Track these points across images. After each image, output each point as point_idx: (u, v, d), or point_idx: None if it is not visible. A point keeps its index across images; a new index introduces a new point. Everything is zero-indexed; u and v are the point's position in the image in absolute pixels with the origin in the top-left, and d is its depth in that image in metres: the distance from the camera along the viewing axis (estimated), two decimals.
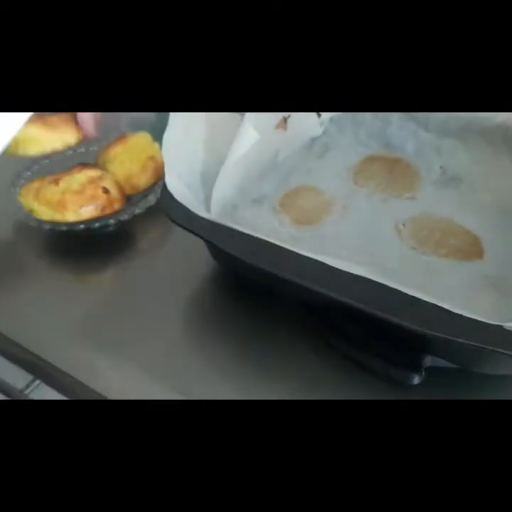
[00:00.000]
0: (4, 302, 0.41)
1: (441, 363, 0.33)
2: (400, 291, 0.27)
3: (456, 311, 0.27)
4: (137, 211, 0.45)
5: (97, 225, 0.43)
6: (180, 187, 0.35)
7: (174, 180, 0.35)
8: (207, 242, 0.34)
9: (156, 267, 0.43)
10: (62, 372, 0.35)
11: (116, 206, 0.44)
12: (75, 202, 0.43)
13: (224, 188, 0.36)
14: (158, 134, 0.69)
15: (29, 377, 0.42)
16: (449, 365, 0.33)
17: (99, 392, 0.34)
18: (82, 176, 0.45)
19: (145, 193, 0.47)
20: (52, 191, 0.43)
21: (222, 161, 0.38)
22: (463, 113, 0.43)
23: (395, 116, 0.46)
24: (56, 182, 0.44)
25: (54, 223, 0.43)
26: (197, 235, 0.33)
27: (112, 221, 0.44)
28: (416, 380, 0.32)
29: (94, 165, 0.49)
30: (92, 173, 0.45)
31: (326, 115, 0.45)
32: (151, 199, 0.46)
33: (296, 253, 0.31)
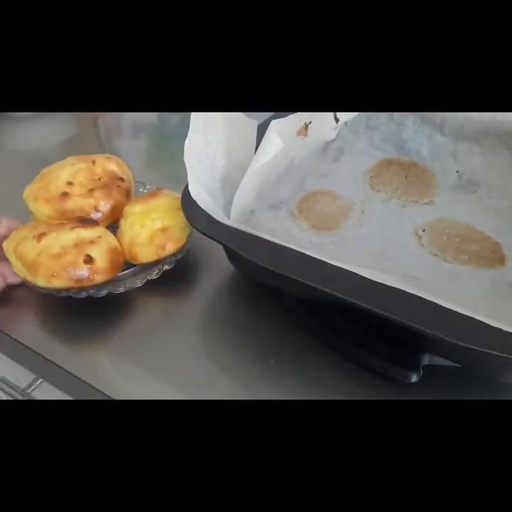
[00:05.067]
0: (6, 303, 0.41)
1: (440, 361, 0.34)
2: (435, 304, 0.27)
3: (486, 322, 0.27)
4: (132, 286, 0.39)
5: (67, 294, 0.38)
6: (202, 193, 0.35)
7: (196, 186, 0.34)
8: (229, 249, 0.34)
9: None
10: (65, 372, 0.36)
11: (98, 278, 0.37)
12: (48, 268, 0.36)
13: (243, 194, 0.36)
14: (159, 136, 0.69)
15: (32, 375, 0.42)
16: (448, 363, 0.33)
17: (103, 391, 0.34)
18: (71, 236, 0.38)
19: (146, 267, 0.41)
20: (30, 248, 0.37)
21: (240, 166, 0.38)
22: (480, 117, 0.43)
23: (410, 120, 0.46)
24: (39, 237, 0.37)
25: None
26: (220, 242, 0.33)
27: (90, 292, 0.38)
28: (414, 378, 0.33)
29: (107, 219, 0.42)
30: (87, 233, 0.38)
31: (342, 120, 0.45)
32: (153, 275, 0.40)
33: (321, 261, 0.31)
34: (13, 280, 0.40)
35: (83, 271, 0.36)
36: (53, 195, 0.41)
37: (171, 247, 0.40)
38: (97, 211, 0.42)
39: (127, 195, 0.44)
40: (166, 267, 0.40)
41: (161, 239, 0.40)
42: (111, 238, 0.40)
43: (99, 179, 0.44)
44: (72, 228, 0.38)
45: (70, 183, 0.42)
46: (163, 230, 0.40)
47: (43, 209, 0.42)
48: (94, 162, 0.44)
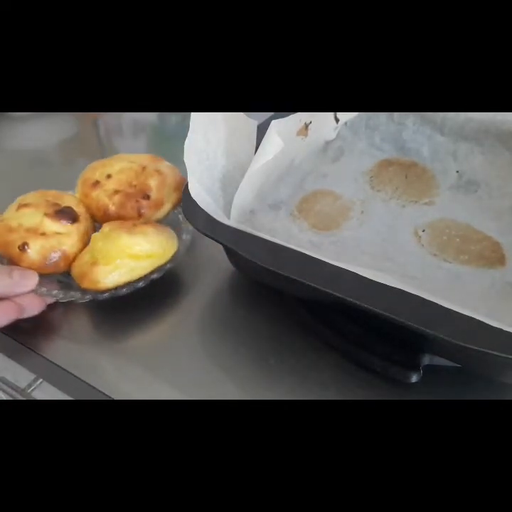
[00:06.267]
0: None
1: (440, 361, 0.34)
2: (434, 303, 0.27)
3: (486, 322, 0.27)
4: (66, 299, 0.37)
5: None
6: (202, 193, 0.35)
7: (196, 186, 0.34)
8: (229, 249, 0.33)
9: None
10: (65, 372, 0.36)
11: (25, 265, 0.36)
12: None
13: (243, 194, 0.36)
14: (159, 136, 0.69)
15: (32, 375, 0.42)
16: (448, 363, 0.33)
17: (103, 391, 0.34)
18: (35, 220, 0.37)
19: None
20: (7, 210, 0.39)
21: (240, 166, 0.38)
22: (480, 117, 0.43)
23: (410, 120, 0.46)
24: (20, 207, 0.38)
25: None
26: (220, 242, 0.33)
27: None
28: (414, 378, 0.33)
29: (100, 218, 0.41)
30: (50, 225, 0.37)
31: (342, 120, 0.45)
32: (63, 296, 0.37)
33: (321, 261, 0.31)
34: (30, 314, 0.37)
35: (13, 253, 0.36)
36: (90, 178, 0.42)
37: (84, 283, 0.36)
38: (104, 213, 0.41)
39: (139, 214, 0.41)
40: (153, 277, 0.38)
41: (85, 270, 0.36)
42: (69, 241, 0.37)
43: (135, 186, 0.42)
44: (45, 214, 0.37)
45: (109, 176, 0.42)
46: (93, 263, 0.36)
47: (78, 186, 0.43)
48: (144, 168, 0.43)
